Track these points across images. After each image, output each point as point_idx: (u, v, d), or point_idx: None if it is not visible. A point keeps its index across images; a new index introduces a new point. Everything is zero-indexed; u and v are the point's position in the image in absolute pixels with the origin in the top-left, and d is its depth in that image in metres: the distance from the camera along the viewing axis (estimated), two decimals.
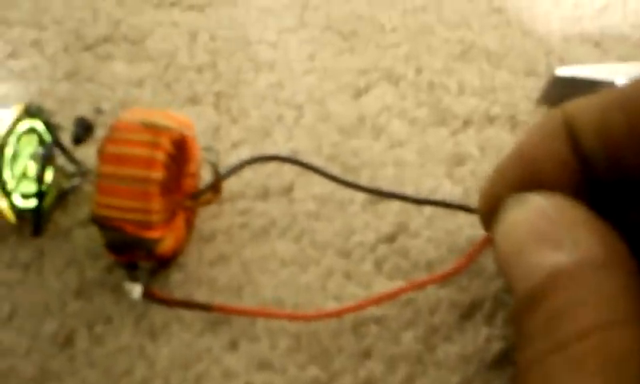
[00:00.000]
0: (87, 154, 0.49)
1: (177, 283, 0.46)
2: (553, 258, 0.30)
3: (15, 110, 0.44)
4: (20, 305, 0.45)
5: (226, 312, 0.43)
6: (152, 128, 0.42)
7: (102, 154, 0.41)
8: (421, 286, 0.45)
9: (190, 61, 0.58)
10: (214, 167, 0.44)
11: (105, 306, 0.45)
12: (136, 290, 0.43)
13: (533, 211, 0.33)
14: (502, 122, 0.56)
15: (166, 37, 0.60)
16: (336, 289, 0.46)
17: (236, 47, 0.59)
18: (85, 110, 0.53)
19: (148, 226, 0.41)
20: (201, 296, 0.45)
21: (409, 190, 0.51)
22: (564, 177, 0.35)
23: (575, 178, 0.35)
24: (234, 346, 0.43)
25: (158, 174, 0.41)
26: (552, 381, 0.28)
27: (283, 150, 0.53)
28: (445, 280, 0.45)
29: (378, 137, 0.54)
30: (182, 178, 0.45)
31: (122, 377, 0.41)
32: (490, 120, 0.56)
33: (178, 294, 0.45)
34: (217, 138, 0.53)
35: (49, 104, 0.53)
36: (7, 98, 0.53)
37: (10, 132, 0.44)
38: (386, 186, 0.51)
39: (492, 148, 0.54)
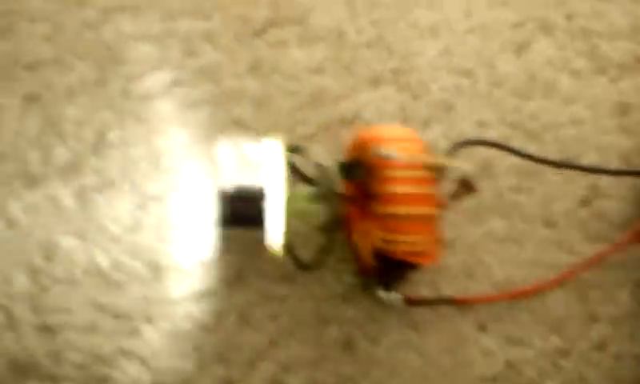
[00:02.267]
0: None
1: (418, 278, 0.51)
2: None
3: (278, 145, 0.47)
4: (296, 316, 0.51)
5: (469, 302, 0.50)
6: (424, 165, 0.45)
7: (382, 195, 0.45)
8: (624, 245, 0.51)
9: (358, 36, 0.58)
10: (465, 178, 0.47)
11: (369, 307, 0.51)
12: (396, 299, 0.48)
13: None
14: None
15: (326, 11, 0.59)
16: (551, 260, 0.53)
17: (397, 14, 0.60)
18: (282, 114, 0.55)
19: (423, 254, 0.45)
20: (440, 284, 0.52)
21: (592, 151, 0.56)
22: None
23: None
24: (482, 328, 0.51)
25: (434, 209, 0.45)
26: None
27: (469, 122, 0.56)
28: None
29: (550, 95, 0.58)
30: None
31: (405, 370, 0.49)
32: None
33: (424, 288, 0.51)
34: (405, 119, 0.56)
35: (244, 106, 0.55)
36: (201, 102, 0.54)
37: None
38: (570, 148, 0.56)
39: None
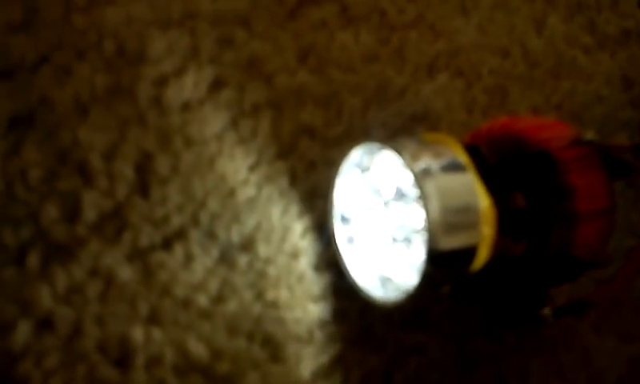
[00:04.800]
0: None
1: None
2: None
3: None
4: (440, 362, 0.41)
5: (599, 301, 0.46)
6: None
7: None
8: None
9: (400, 16, 0.49)
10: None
11: (503, 337, 0.43)
12: (547, 312, 0.42)
13: None
14: None
15: None
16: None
17: None
18: (353, 115, 0.43)
19: (607, 256, 0.40)
20: None
21: (620, 130, 0.56)
22: None
23: None
24: (597, 330, 0.47)
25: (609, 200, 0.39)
26: None
27: (524, 108, 0.52)
28: None
29: (575, 74, 0.56)
30: None
31: None
32: None
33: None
34: (469, 109, 0.49)
35: (309, 108, 0.42)
36: (258, 107, 0.40)
37: None
38: (604, 128, 0.55)
39: None
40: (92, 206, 0.34)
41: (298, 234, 0.39)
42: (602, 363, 0.45)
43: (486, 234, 0.34)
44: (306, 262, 0.39)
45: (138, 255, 0.34)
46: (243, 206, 0.38)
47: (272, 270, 0.38)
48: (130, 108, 0.37)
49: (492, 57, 0.53)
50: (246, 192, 0.39)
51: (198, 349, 0.34)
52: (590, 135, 0.37)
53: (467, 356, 0.41)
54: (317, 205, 0.40)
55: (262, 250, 0.38)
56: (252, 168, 0.39)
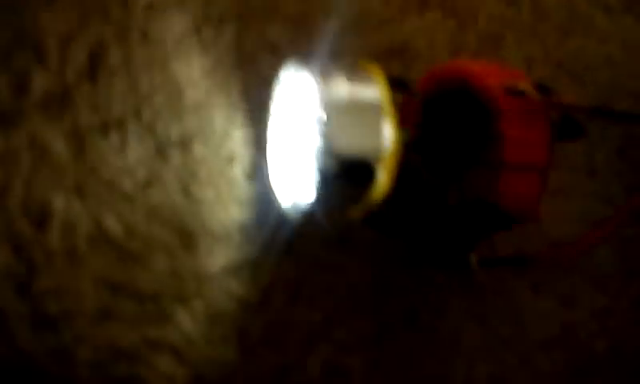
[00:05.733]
0: None
1: None
2: None
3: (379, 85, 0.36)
4: (357, 286, 0.42)
5: (541, 260, 0.46)
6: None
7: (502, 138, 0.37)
8: None
9: None
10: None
11: (429, 274, 0.44)
12: (472, 260, 0.42)
13: None
14: None
15: None
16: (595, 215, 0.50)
17: None
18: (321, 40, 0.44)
19: (535, 212, 0.39)
20: (497, 245, 0.46)
21: (626, 97, 0.53)
22: None
23: None
24: (536, 289, 0.47)
25: (548, 160, 0.38)
26: None
27: (517, 58, 0.50)
28: None
29: (588, 33, 0.53)
30: None
31: (467, 342, 0.44)
32: None
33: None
34: (455, 50, 0.48)
35: (277, 26, 0.43)
36: (224, 18, 0.41)
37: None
38: (606, 92, 0.53)
39: None
40: (41, 84, 0.37)
41: (238, 141, 0.41)
42: (532, 321, 0.44)
43: (386, 160, 0.34)
44: (239, 169, 0.41)
45: (75, 134, 0.37)
46: (188, 107, 0.40)
47: (204, 171, 0.40)
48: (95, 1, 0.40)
49: (495, 3, 0.51)
50: (194, 95, 0.41)
51: (114, 225, 0.37)
52: (522, 86, 0.36)
53: (383, 284, 0.42)
54: (263, 118, 0.41)
55: (198, 150, 0.40)
56: (206, 74, 0.41)
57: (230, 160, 0.40)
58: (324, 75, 0.34)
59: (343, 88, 0.34)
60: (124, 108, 0.39)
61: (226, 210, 0.40)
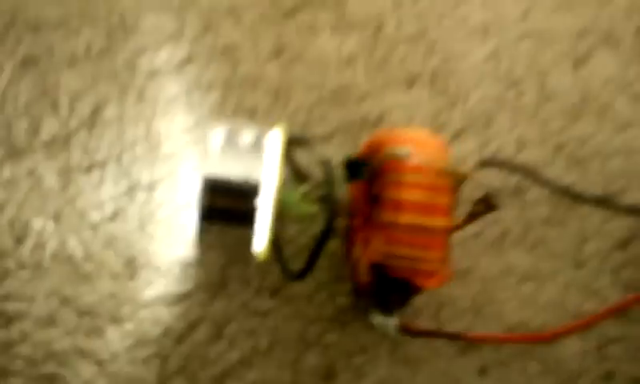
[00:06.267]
0: None
1: (419, 306, 0.46)
2: None
3: (279, 135, 0.41)
4: (277, 335, 0.46)
5: (476, 341, 0.45)
6: (440, 172, 0.39)
7: (387, 200, 0.39)
8: None
9: (398, 29, 0.52)
10: (487, 194, 0.41)
11: (358, 334, 0.46)
12: (391, 325, 0.43)
13: None
14: None
15: None
16: (574, 306, 0.47)
17: (444, 8, 0.53)
18: (300, 108, 0.49)
19: (427, 274, 0.40)
20: (445, 318, 0.46)
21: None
22: None
23: None
24: (483, 371, 0.45)
25: (446, 224, 0.39)
26: None
27: (508, 140, 0.50)
28: None
29: (603, 118, 0.51)
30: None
31: None
32: None
33: (424, 319, 0.46)
34: (437, 127, 0.50)
35: (259, 94, 0.49)
36: (213, 85, 0.48)
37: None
38: (616, 181, 0.50)
39: None
40: (50, 128, 0.47)
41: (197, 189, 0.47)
42: None
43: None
44: (192, 214, 0.46)
45: (65, 171, 0.47)
46: (163, 157, 0.48)
47: (161, 212, 0.46)
48: (109, 63, 0.49)
49: (493, 84, 0.52)
50: (170, 147, 0.48)
51: (76, 247, 0.45)
52: (399, 151, 0.38)
53: (307, 338, 0.45)
54: None
55: (161, 194, 0.47)
56: (186, 130, 0.48)
57: (187, 206, 0.46)
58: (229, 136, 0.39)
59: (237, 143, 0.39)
60: (109, 153, 0.47)
61: (172, 248, 0.46)
